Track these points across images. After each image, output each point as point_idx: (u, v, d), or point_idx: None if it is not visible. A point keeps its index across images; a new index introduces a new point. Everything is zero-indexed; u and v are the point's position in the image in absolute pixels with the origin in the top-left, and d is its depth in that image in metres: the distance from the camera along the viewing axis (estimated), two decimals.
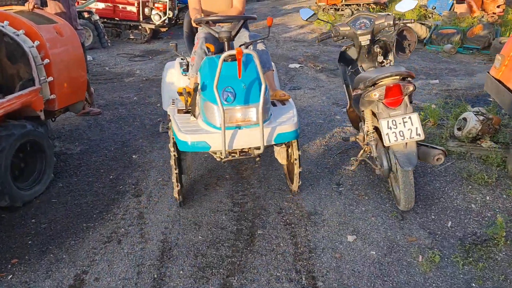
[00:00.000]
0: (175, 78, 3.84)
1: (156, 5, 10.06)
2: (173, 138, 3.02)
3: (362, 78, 3.25)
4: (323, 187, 3.63)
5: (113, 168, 4.07)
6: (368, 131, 3.28)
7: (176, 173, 3.10)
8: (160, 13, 10.07)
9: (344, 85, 4.14)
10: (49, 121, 4.25)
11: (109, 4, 10.10)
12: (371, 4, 12.33)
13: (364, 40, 3.82)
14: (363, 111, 3.31)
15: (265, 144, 2.80)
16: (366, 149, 3.70)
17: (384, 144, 2.94)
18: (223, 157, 2.91)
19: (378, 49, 3.80)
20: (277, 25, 12.15)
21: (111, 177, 3.90)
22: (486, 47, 8.71)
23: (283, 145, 3.31)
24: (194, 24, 3.46)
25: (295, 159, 3.22)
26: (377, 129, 3.32)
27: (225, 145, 2.74)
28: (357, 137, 3.77)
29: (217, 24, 3.42)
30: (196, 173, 3.93)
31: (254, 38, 3.36)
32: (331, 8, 12.50)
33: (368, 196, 3.44)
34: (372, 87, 3.03)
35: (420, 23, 9.44)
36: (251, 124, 2.80)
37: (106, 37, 9.49)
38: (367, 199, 3.41)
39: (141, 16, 10.05)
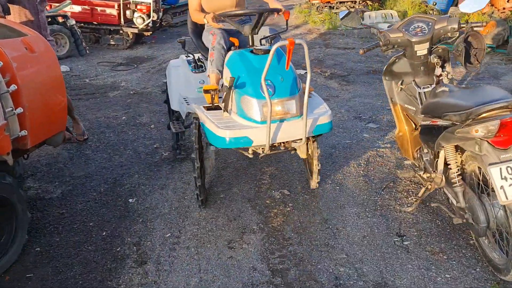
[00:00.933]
0: (184, 76, 3.67)
1: (138, 7, 9.09)
2: (197, 134, 3.02)
3: (445, 105, 2.46)
4: (381, 240, 2.83)
5: (106, 219, 3.19)
6: (452, 173, 2.49)
7: (197, 167, 2.99)
8: (143, 16, 9.11)
9: (391, 104, 3.34)
10: (20, 159, 3.34)
11: (86, 6, 9.09)
12: (367, 0, 11.61)
13: (421, 49, 3.05)
14: (442, 146, 2.52)
15: (306, 136, 2.82)
16: (430, 186, 2.92)
17: (500, 201, 2.14)
18: (265, 152, 2.86)
19: (436, 60, 3.03)
20: (270, 24, 11.32)
21: (103, 234, 3.02)
22: (500, 45, 8.07)
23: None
24: (212, 23, 3.26)
25: (316, 156, 3.21)
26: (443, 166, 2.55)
27: (269, 138, 2.70)
28: (422, 175, 2.98)
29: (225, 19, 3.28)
30: (213, 223, 3.08)
31: (273, 32, 3.35)
32: (325, 6, 11.74)
33: (447, 255, 2.65)
34: (470, 119, 2.23)
35: None
36: (292, 117, 2.80)
37: (84, 43, 8.47)
38: (446, 260, 2.61)
39: (122, 19, 9.08)
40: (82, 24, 9.23)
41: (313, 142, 3.20)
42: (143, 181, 3.72)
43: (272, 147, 2.91)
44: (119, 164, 4.03)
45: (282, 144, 2.97)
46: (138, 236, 2.98)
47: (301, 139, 2.85)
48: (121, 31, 9.33)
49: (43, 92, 3.12)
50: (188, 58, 3.78)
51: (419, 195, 3.03)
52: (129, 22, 9.29)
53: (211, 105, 3.07)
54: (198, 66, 3.67)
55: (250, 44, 3.08)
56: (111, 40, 9.43)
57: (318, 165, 3.24)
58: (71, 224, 3.13)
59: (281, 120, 2.77)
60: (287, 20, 3.32)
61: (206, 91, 3.01)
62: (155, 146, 4.40)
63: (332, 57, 7.84)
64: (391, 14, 9.81)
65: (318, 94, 5.80)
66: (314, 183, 3.38)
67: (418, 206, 3.13)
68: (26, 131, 2.92)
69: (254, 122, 2.75)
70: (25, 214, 2.82)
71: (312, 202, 3.30)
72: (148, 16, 9.14)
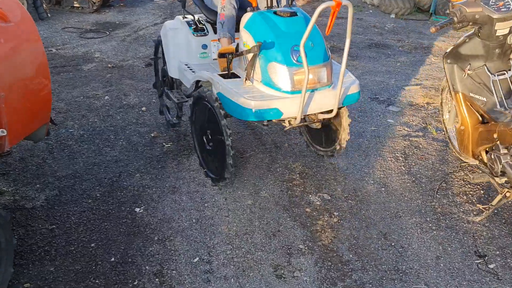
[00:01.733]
0: (184, 40, 3.24)
1: None
2: (219, 106, 2.65)
3: None
4: (460, 263, 2.35)
5: (111, 237, 2.53)
6: None
7: (228, 145, 2.63)
8: None
9: (452, 92, 2.82)
10: None
11: None
12: None
13: (503, 27, 2.51)
14: None
15: (336, 107, 2.62)
16: (509, 194, 2.45)
17: None
18: (295, 123, 2.62)
19: None
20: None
21: (112, 259, 2.37)
22: None
23: None
24: None
25: (346, 126, 2.86)
26: None
27: (302, 110, 2.50)
28: (499, 180, 2.50)
29: None
30: (249, 241, 2.50)
31: None
32: None
33: None
34: None
35: None
36: (323, 86, 2.59)
37: (44, 5, 7.44)
38: None
39: None
40: None
41: (344, 110, 2.87)
42: (148, 182, 3.05)
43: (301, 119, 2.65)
44: (112, 159, 3.33)
45: (309, 116, 2.75)
46: (158, 262, 2.35)
47: (331, 110, 2.63)
48: None
49: (23, 76, 2.37)
50: (187, 19, 3.32)
51: (493, 203, 2.56)
52: None
53: (226, 72, 2.77)
54: (199, 29, 3.24)
55: (269, 4, 2.74)
56: (75, 2, 8.33)
57: (348, 134, 2.92)
58: (66, 246, 2.46)
59: (312, 90, 2.55)
60: None
61: (222, 55, 2.72)
62: (152, 135, 3.70)
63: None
64: None
65: None
66: (343, 142, 2.95)
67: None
68: (4, 130, 2.18)
69: (283, 92, 2.52)
70: (9, 242, 2.12)
71: (360, 210, 2.78)
72: None
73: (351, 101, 2.76)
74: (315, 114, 2.70)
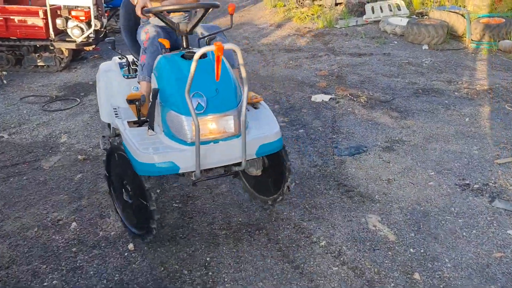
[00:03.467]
0: (115, 82, 3.11)
1: (73, 13, 6.62)
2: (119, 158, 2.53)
3: None
4: None
5: None
6: None
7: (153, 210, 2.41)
8: (82, 25, 6.64)
9: None
10: None
11: None
12: None
13: None
14: None
15: (247, 159, 2.37)
16: None
17: None
18: (195, 178, 2.36)
19: None
20: (242, 24, 9.13)
21: None
22: None
23: None
24: (139, 14, 2.69)
25: (287, 169, 2.61)
26: None
27: (199, 164, 2.24)
28: None
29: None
30: None
31: (212, 30, 2.81)
32: None
33: None
34: None
35: (454, 12, 6.94)
36: (229, 136, 2.34)
37: None
38: None
39: (51, 31, 6.58)
40: None
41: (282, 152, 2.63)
42: None
43: (209, 170, 2.49)
44: None
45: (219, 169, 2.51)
46: None
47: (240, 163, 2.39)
48: (51, 47, 6.84)
49: None
50: (122, 61, 3.22)
51: None
52: (62, 35, 6.83)
53: (138, 119, 2.59)
54: (132, 70, 3.15)
55: (184, 46, 2.57)
56: (39, 61, 6.92)
57: (289, 175, 2.63)
58: None
59: (216, 141, 2.31)
60: (231, 15, 2.74)
61: (131, 101, 2.54)
62: None
63: (351, 70, 5.84)
64: (397, 4, 7.93)
65: (371, 139, 3.83)
66: (285, 189, 2.70)
67: None
68: None
69: (183, 143, 2.31)
70: None
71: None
72: (89, 25, 6.72)
73: (269, 151, 2.49)
74: (228, 166, 2.46)
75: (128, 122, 2.61)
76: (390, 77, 5.47)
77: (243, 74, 2.20)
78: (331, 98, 4.94)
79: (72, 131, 4.50)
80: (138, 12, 2.69)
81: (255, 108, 2.70)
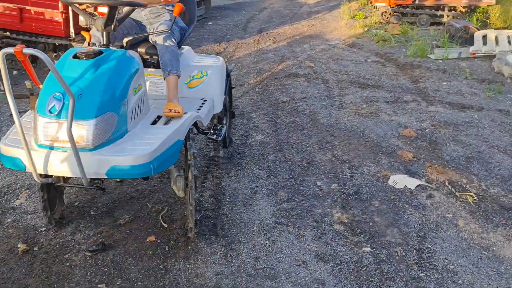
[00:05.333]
0: None
1: (100, 9, 5.37)
2: None
3: None
4: None
5: None
6: None
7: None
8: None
9: None
10: None
11: (11, 5, 5.41)
12: (459, 7, 7.75)
13: None
14: None
15: (90, 176, 2.14)
16: None
17: None
18: (39, 180, 2.23)
19: None
20: (309, 38, 7.50)
21: None
22: None
23: (180, 171, 2.63)
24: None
25: (191, 186, 2.50)
26: None
27: (34, 167, 2.12)
28: None
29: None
30: None
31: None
32: (395, 12, 7.86)
33: None
34: None
35: None
36: (82, 148, 2.10)
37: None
38: None
39: (71, 29, 5.39)
40: (7, 33, 5.62)
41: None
42: None
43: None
44: None
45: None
46: None
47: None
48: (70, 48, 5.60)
49: None
50: None
51: None
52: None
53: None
54: None
55: (104, 43, 2.46)
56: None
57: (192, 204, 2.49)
58: None
59: (65, 149, 2.11)
60: (175, 17, 2.64)
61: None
62: None
63: (451, 133, 4.07)
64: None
65: None
66: (191, 228, 2.60)
67: None
68: None
69: (34, 143, 2.18)
70: None
71: None
72: None
73: (120, 175, 2.18)
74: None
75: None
76: None
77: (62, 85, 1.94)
78: (419, 185, 3.25)
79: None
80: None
81: (166, 123, 2.50)
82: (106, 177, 2.17)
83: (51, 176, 2.27)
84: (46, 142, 2.13)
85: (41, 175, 2.20)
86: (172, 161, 2.32)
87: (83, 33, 2.62)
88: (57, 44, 5.64)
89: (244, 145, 3.89)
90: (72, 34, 5.42)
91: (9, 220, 2.85)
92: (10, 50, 1.82)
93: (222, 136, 3.10)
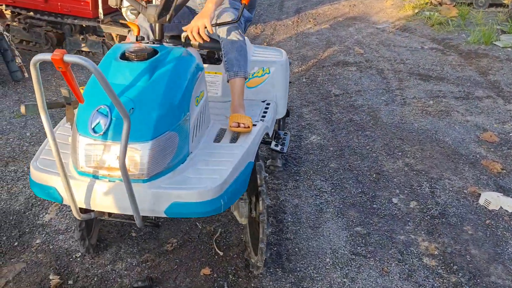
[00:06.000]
0: None
1: None
2: None
3: None
4: None
5: None
6: None
7: None
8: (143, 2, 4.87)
9: None
10: None
11: None
12: None
13: None
14: None
15: (144, 214, 1.67)
16: None
17: None
18: (79, 217, 1.76)
19: None
20: (353, 20, 6.86)
21: None
22: None
23: (244, 195, 2.05)
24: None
25: (262, 219, 1.98)
26: None
27: (74, 201, 1.66)
28: None
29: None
30: None
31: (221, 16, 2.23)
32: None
33: None
34: None
35: None
36: (134, 179, 1.62)
37: (18, 59, 4.49)
38: None
39: (100, 9, 4.91)
40: (30, 13, 5.17)
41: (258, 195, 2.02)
42: None
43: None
44: None
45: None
46: None
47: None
48: (99, 30, 5.23)
49: None
50: None
51: None
52: (115, 14, 5.18)
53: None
54: None
55: (156, 37, 1.97)
56: (83, 45, 5.32)
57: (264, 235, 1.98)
58: None
59: (112, 179, 1.64)
60: (244, 4, 2.15)
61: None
62: None
63: None
64: None
65: None
66: (260, 260, 2.08)
67: None
68: None
69: (74, 169, 1.71)
70: None
71: None
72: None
73: (183, 213, 1.68)
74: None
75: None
76: None
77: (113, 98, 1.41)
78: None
79: None
80: None
81: (232, 141, 2.01)
82: (164, 215, 1.69)
83: (93, 210, 1.81)
84: (88, 169, 1.67)
85: (81, 209, 1.74)
86: (242, 190, 1.82)
87: (129, 24, 2.09)
88: (84, 25, 5.17)
89: (299, 148, 3.39)
90: (101, 15, 4.94)
91: (38, 242, 2.43)
92: (46, 56, 1.29)
93: (287, 146, 2.60)
